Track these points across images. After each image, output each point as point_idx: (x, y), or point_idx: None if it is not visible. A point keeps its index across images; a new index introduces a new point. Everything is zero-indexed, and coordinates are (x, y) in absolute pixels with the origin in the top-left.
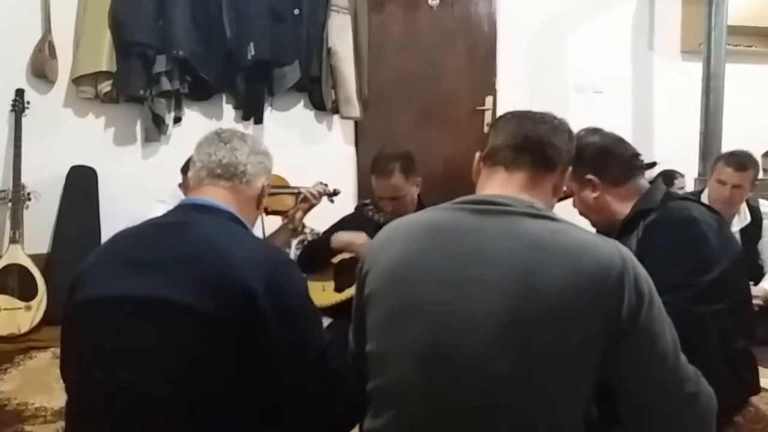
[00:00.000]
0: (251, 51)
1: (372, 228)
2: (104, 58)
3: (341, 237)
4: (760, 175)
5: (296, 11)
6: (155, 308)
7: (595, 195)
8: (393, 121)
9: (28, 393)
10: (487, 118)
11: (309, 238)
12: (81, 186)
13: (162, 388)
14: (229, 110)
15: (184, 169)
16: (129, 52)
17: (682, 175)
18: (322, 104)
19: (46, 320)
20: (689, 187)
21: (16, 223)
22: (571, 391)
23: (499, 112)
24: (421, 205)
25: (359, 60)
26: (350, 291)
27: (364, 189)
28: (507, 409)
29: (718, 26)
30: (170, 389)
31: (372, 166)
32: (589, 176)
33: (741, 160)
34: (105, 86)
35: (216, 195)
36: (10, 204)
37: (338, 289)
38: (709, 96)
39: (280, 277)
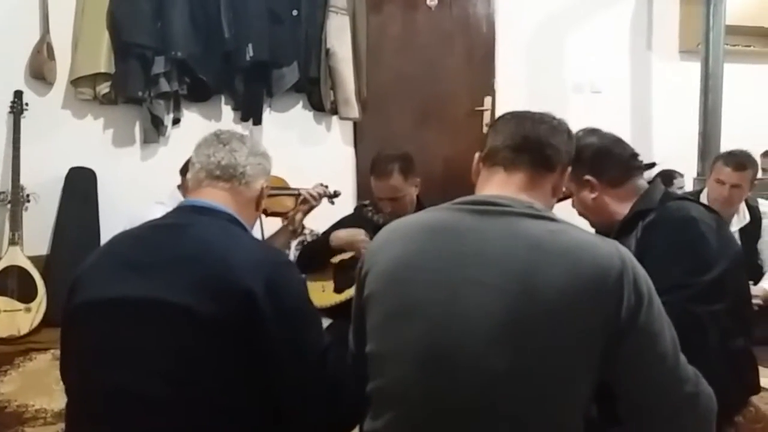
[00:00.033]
0: (250, 52)
1: (371, 229)
2: (103, 60)
3: (340, 235)
4: (759, 175)
5: (295, 12)
6: (154, 310)
7: (593, 196)
8: (392, 122)
9: (28, 395)
10: (486, 118)
11: (308, 239)
12: (80, 187)
13: (161, 390)
14: (227, 111)
15: (183, 171)
16: (127, 54)
17: (681, 175)
18: (321, 105)
19: (45, 322)
20: (688, 186)
21: (16, 224)
22: (571, 391)
23: (498, 113)
24: (420, 206)
25: (358, 61)
26: (349, 292)
27: (363, 190)
28: (507, 409)
29: (717, 26)
30: (169, 391)
31: (371, 166)
32: (588, 177)
33: (740, 160)
34: (103, 88)
35: (215, 196)
36: (9, 206)
37: (338, 289)
38: (708, 96)
39: (279, 278)
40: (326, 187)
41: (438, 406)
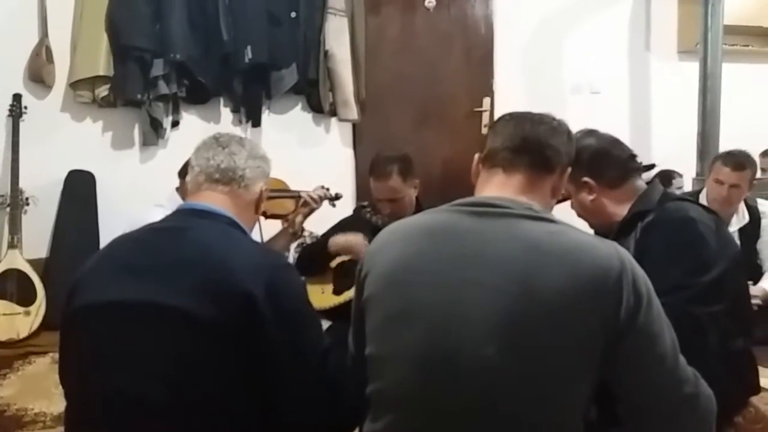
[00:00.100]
0: (248, 54)
1: (370, 230)
2: (101, 63)
3: (338, 240)
4: (758, 175)
5: (293, 14)
6: (154, 313)
7: (591, 197)
8: (391, 123)
9: (27, 398)
10: (485, 119)
11: (308, 241)
12: (79, 190)
13: (161, 394)
14: (226, 113)
15: (182, 173)
16: (126, 56)
17: (680, 175)
18: (320, 107)
19: (45, 325)
20: (687, 186)
21: (15, 228)
22: (571, 391)
23: (497, 114)
24: (419, 207)
25: (356, 62)
26: (349, 294)
27: (362, 191)
28: (507, 410)
29: (715, 26)
30: (169, 394)
31: (370, 168)
32: (586, 179)
33: (738, 160)
34: (102, 90)
35: (214, 200)
36: (8, 209)
37: (337, 291)
38: (706, 96)
39: (279, 281)
40: (327, 189)
41: (437, 408)
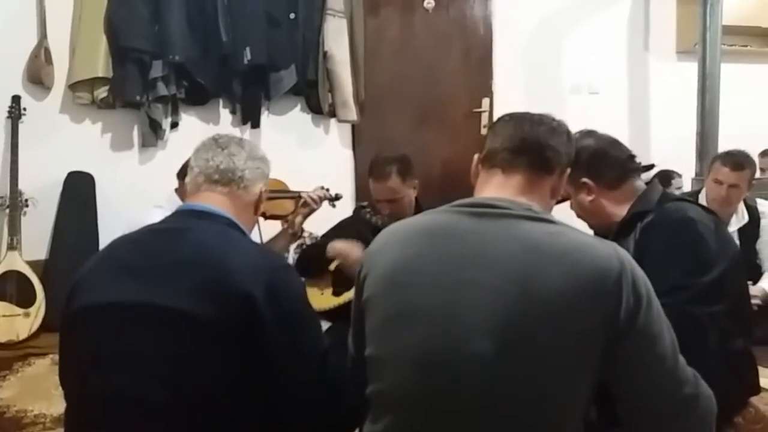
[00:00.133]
0: (247, 55)
1: (370, 230)
2: (100, 64)
3: (336, 246)
4: (757, 175)
5: (292, 15)
6: (153, 315)
7: (590, 198)
8: (390, 124)
9: (27, 400)
10: (484, 120)
11: (308, 242)
12: (78, 192)
13: (160, 395)
14: (225, 115)
15: (181, 174)
16: (125, 58)
17: (680, 175)
18: (319, 108)
19: (44, 327)
20: (686, 187)
21: (14, 229)
22: (571, 391)
23: (496, 114)
24: (418, 208)
25: (355, 63)
26: (348, 295)
27: (361, 192)
28: (507, 411)
29: (713, 26)
30: (168, 396)
31: (369, 169)
32: (585, 180)
33: (737, 160)
34: (101, 92)
35: (214, 201)
36: (7, 210)
37: (336, 292)
38: (705, 96)
39: (278, 282)
40: (327, 190)
41: (437, 409)
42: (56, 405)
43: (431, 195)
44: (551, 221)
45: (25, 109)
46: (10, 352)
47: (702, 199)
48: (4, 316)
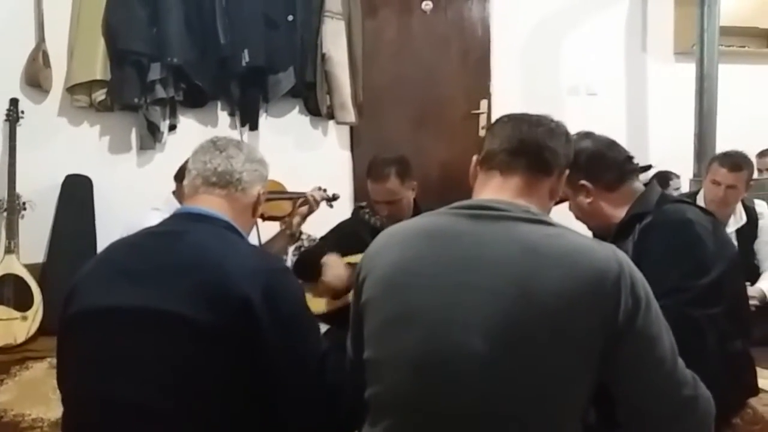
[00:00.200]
0: (245, 57)
1: (368, 231)
2: (98, 67)
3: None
4: (755, 175)
5: (290, 17)
6: (151, 318)
7: (589, 200)
8: (388, 126)
9: (24, 404)
10: (482, 121)
11: (306, 244)
12: (76, 195)
13: (158, 398)
14: (224, 117)
15: (179, 177)
16: (123, 61)
17: (678, 176)
18: (317, 110)
19: (42, 330)
20: (684, 188)
21: (12, 232)
22: (570, 392)
23: (494, 116)
24: (417, 209)
25: (354, 65)
26: (346, 298)
27: (360, 194)
28: (505, 413)
29: (711, 27)
30: (166, 399)
31: (367, 170)
32: (583, 182)
33: (735, 161)
34: (99, 95)
35: (211, 203)
36: (5, 214)
37: (335, 295)
38: (703, 97)
39: (276, 285)
40: (324, 190)
41: (435, 412)
42: (54, 409)
43: (430, 196)
44: (550, 223)
45: (23, 112)
46: (8, 355)
47: (700, 200)
48: (1, 319)
